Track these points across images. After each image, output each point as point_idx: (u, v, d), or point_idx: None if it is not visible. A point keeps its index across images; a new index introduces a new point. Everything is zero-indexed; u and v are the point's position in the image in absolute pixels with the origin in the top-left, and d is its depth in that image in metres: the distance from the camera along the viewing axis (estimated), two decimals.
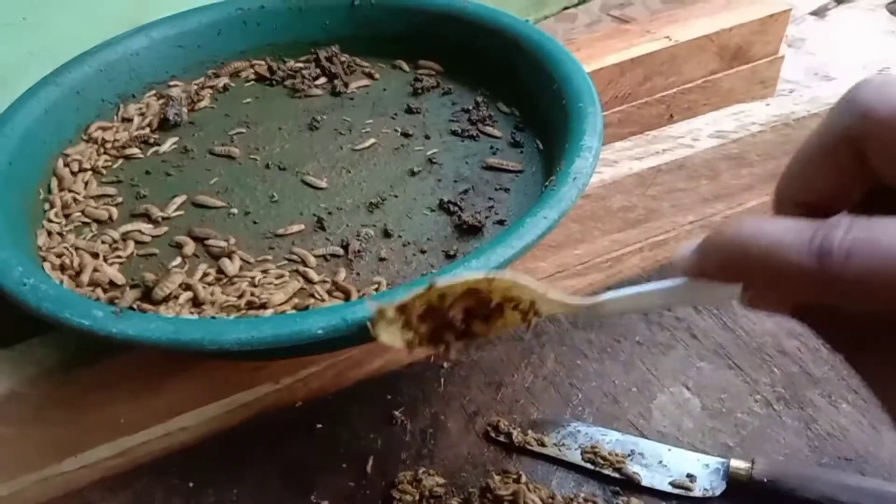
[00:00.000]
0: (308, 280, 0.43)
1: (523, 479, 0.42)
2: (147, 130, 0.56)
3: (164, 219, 0.48)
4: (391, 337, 0.30)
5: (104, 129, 0.55)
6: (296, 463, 0.45)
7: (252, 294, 0.40)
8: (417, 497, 0.41)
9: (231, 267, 0.43)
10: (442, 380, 0.49)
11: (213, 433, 0.46)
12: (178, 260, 0.44)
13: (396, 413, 0.47)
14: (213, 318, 0.39)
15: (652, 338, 0.51)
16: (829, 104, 0.57)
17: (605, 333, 0.51)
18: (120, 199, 0.50)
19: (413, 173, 0.50)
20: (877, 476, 0.42)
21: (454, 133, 0.54)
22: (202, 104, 0.58)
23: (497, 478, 0.42)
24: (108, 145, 0.54)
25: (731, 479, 0.41)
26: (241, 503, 0.43)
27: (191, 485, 0.44)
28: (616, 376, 0.49)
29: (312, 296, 0.41)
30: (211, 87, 0.60)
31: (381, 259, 0.45)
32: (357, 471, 0.44)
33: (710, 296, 0.26)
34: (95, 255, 0.44)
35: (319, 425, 0.47)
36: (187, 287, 0.41)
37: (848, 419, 0.46)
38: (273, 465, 0.45)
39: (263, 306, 0.40)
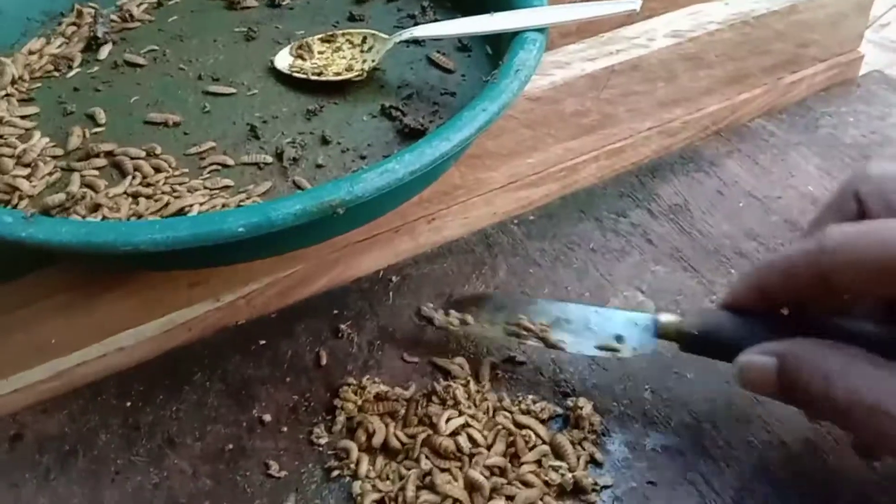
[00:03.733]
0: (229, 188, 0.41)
1: (472, 384, 0.41)
2: (76, 48, 0.53)
3: (91, 133, 0.45)
4: None
5: (30, 47, 0.52)
6: (238, 379, 0.43)
7: (169, 202, 0.38)
8: (360, 403, 0.40)
9: (153, 177, 0.41)
10: (391, 293, 0.48)
11: (153, 353, 0.45)
12: (97, 172, 0.42)
13: (343, 326, 0.45)
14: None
15: (606, 244, 0.49)
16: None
17: (558, 242, 0.50)
18: (46, 116, 0.47)
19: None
20: None
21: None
22: (134, 20, 0.55)
23: (444, 382, 0.41)
24: (35, 64, 0.51)
25: (662, 335, 0.38)
26: (181, 420, 0.41)
27: (128, 404, 0.42)
28: (569, 283, 0.47)
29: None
30: (144, 3, 0.56)
31: (319, 166, 0.43)
32: (301, 383, 0.43)
33: None
34: (13, 168, 0.42)
35: (262, 342, 0.45)
36: (106, 197, 0.39)
37: None
38: (214, 382, 0.43)
39: (181, 212, 0.38)
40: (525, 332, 0.40)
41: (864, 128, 0.57)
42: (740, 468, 0.37)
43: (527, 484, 0.36)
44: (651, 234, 0.50)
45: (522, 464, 0.38)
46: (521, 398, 0.40)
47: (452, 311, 0.42)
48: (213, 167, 0.42)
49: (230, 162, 0.42)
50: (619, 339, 0.39)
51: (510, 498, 0.36)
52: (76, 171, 0.42)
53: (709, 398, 0.40)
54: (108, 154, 0.43)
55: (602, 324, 0.40)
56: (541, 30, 0.43)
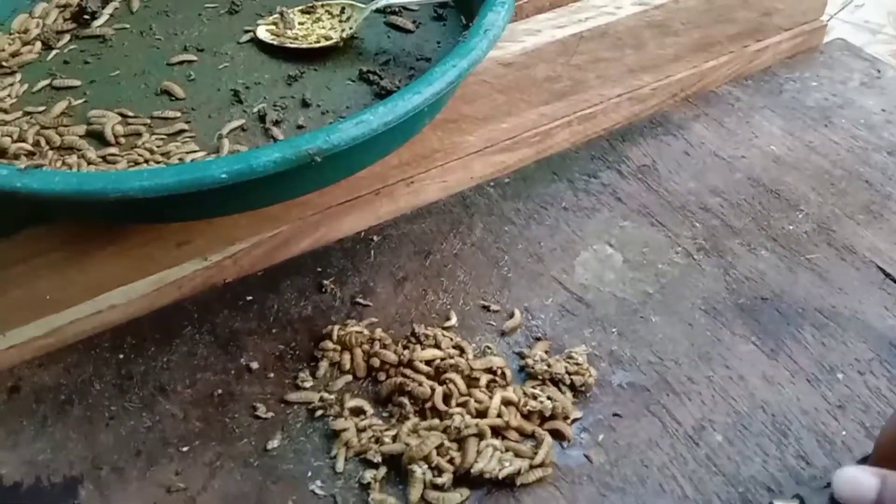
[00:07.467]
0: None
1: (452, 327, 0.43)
2: (66, 24, 0.55)
3: (79, 102, 0.47)
4: None
5: (22, 22, 0.54)
6: (226, 332, 0.45)
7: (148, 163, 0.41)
8: (340, 348, 0.42)
9: (134, 140, 0.43)
10: (372, 251, 0.50)
11: (143, 310, 0.46)
12: (77, 137, 0.44)
13: (326, 282, 0.47)
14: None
15: (578, 203, 0.52)
16: None
17: (532, 202, 0.52)
18: (35, 88, 0.49)
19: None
20: (791, 312, 0.44)
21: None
22: None
23: (425, 327, 0.43)
24: (26, 38, 0.53)
25: None
26: (172, 369, 0.43)
27: (121, 356, 0.44)
28: (542, 239, 0.49)
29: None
30: None
31: (300, 126, 0.45)
32: (286, 334, 0.45)
33: None
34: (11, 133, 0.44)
35: (249, 297, 0.47)
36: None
37: (766, 264, 0.47)
38: (203, 335, 0.45)
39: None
40: None
41: (826, 91, 0.59)
42: (701, 400, 0.40)
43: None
44: (620, 192, 0.52)
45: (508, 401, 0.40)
46: (496, 343, 0.43)
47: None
48: (191, 134, 0.44)
49: (210, 126, 0.44)
50: None
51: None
52: (59, 136, 0.44)
53: (672, 338, 0.42)
54: (89, 120, 0.45)
55: None
56: None
